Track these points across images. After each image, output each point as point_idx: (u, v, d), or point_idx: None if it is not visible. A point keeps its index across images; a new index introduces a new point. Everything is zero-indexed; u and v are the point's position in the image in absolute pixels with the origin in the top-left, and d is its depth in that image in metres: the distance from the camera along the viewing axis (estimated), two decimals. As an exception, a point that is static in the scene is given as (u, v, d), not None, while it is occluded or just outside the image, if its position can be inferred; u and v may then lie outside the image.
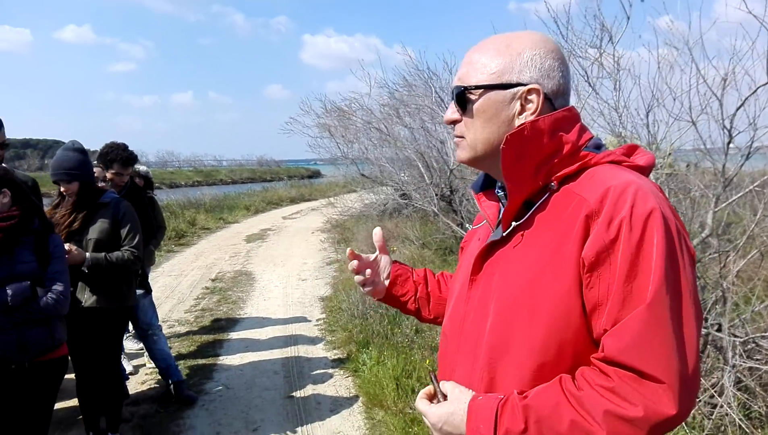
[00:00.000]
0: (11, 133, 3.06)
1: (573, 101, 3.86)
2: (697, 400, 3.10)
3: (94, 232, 3.15)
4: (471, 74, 1.12)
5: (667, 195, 3.33)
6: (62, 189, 3.15)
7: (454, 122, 1.18)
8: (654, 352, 0.91)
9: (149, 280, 4.54)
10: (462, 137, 1.16)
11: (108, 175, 3.97)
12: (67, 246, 2.87)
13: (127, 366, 4.62)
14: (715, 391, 3.07)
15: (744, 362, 3.05)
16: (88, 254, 3.07)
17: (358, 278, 1.51)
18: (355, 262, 1.50)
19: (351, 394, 4.25)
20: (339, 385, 4.44)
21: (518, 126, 1.07)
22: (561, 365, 1.01)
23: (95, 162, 3.84)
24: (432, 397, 1.16)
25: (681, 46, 3.29)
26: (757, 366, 3.10)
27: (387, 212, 11.76)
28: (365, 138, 11.55)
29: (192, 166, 51.37)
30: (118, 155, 3.98)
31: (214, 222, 15.10)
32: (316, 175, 46.72)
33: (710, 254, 3.37)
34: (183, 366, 4.71)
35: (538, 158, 1.07)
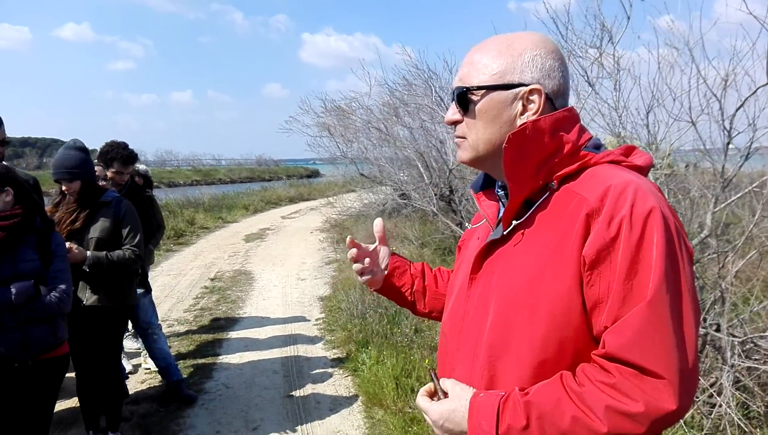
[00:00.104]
0: (10, 132, 3.07)
1: (573, 101, 3.87)
2: (696, 399, 3.11)
3: (95, 230, 3.15)
4: (472, 75, 1.13)
5: (666, 195, 3.35)
6: (64, 188, 3.15)
7: (455, 123, 1.18)
8: (654, 348, 0.92)
9: (149, 280, 4.55)
10: (463, 138, 1.17)
11: (108, 173, 3.97)
12: (67, 244, 2.87)
13: (127, 365, 4.62)
14: (714, 391, 3.08)
15: (742, 362, 3.06)
16: (89, 253, 3.08)
17: (356, 266, 1.52)
18: (354, 251, 1.51)
19: (350, 394, 4.25)
20: (338, 384, 4.44)
21: (520, 125, 1.08)
22: (561, 362, 1.02)
23: (96, 161, 3.85)
24: (432, 395, 1.16)
25: (681, 46, 3.30)
26: (756, 366, 3.11)
27: (386, 212, 11.76)
28: (365, 137, 11.55)
29: (191, 166, 51.32)
30: (119, 154, 3.98)
31: (212, 221, 15.09)
32: (315, 174, 46.70)
33: (709, 254, 3.38)
34: (182, 365, 4.71)
35: (539, 157, 1.08)
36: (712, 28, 3.20)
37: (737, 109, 3.07)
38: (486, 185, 1.29)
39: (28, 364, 2.51)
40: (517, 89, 1.10)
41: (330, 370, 4.74)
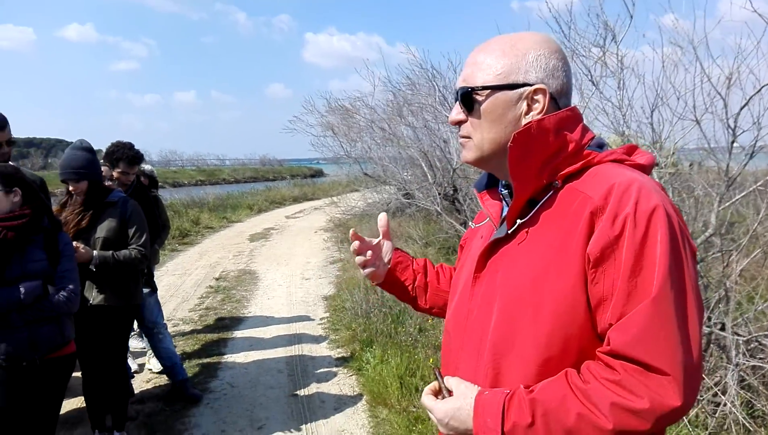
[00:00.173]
0: (15, 132, 3.09)
1: (577, 100, 3.87)
2: (701, 398, 3.10)
3: (101, 230, 3.17)
4: (477, 75, 1.13)
5: (670, 194, 3.35)
6: (71, 188, 3.17)
7: (459, 123, 1.19)
8: (659, 345, 0.92)
9: (154, 279, 4.57)
10: (468, 138, 1.18)
11: (114, 174, 3.99)
12: (74, 244, 2.89)
13: (133, 364, 4.64)
14: (719, 390, 3.07)
15: (747, 361, 3.05)
16: (95, 252, 3.10)
17: (359, 259, 1.52)
18: (356, 243, 1.52)
19: (355, 393, 4.26)
20: (343, 383, 4.45)
21: (525, 124, 1.09)
22: (566, 360, 1.02)
23: (102, 161, 3.87)
24: (437, 393, 1.17)
25: (686, 44, 3.30)
26: (761, 365, 3.10)
27: (390, 211, 11.77)
28: (368, 137, 11.57)
29: (195, 166, 51.43)
30: (124, 154, 4.00)
31: (217, 221, 15.13)
32: (318, 174, 46.70)
33: (713, 253, 3.38)
34: (188, 364, 4.73)
35: (543, 156, 1.08)
36: (717, 26, 3.19)
37: (742, 108, 3.06)
38: (489, 185, 1.30)
39: (36, 363, 2.53)
40: (521, 89, 1.10)
41: (334, 369, 4.75)
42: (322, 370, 4.74)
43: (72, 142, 3.31)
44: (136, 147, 4.14)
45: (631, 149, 1.14)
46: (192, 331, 5.78)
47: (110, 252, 3.15)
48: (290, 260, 9.77)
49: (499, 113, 1.12)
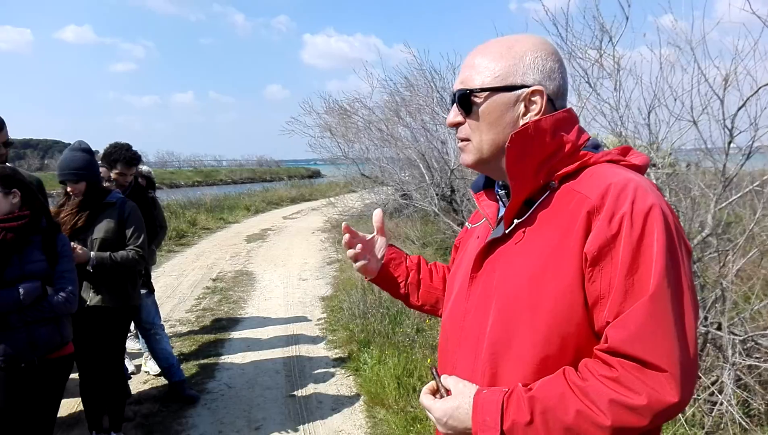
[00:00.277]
0: (12, 133, 3.08)
1: (574, 101, 3.88)
2: (698, 398, 3.11)
3: (99, 231, 3.17)
4: (474, 77, 1.14)
5: (667, 194, 3.36)
6: (69, 189, 3.17)
7: (457, 125, 1.19)
8: (657, 342, 0.93)
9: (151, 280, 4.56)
10: (467, 140, 1.18)
11: (112, 175, 3.98)
12: (71, 245, 2.89)
13: (130, 365, 4.63)
14: (715, 389, 3.09)
15: (744, 360, 3.06)
16: (92, 253, 3.09)
17: (350, 252, 1.53)
18: (347, 236, 1.53)
19: (352, 393, 4.26)
20: (340, 384, 4.45)
21: (522, 125, 1.10)
22: (563, 358, 1.03)
23: (100, 162, 3.86)
24: (435, 393, 1.17)
25: (683, 45, 3.31)
26: (757, 364, 3.12)
27: (388, 212, 11.78)
28: (366, 138, 11.57)
29: (192, 167, 51.42)
30: (122, 155, 3.99)
31: (214, 222, 15.12)
32: (316, 175, 46.70)
33: (710, 253, 3.39)
34: (185, 365, 4.73)
35: (540, 157, 1.09)
36: (715, 27, 3.20)
37: (739, 109, 3.07)
38: (486, 186, 1.31)
39: (35, 364, 2.53)
40: (519, 91, 1.11)
41: (332, 369, 4.75)
42: (319, 370, 4.74)
43: (69, 144, 3.31)
44: (134, 148, 4.14)
45: (626, 150, 1.16)
46: (189, 332, 5.78)
47: (107, 253, 3.14)
48: (287, 261, 9.77)
49: (498, 115, 1.13)
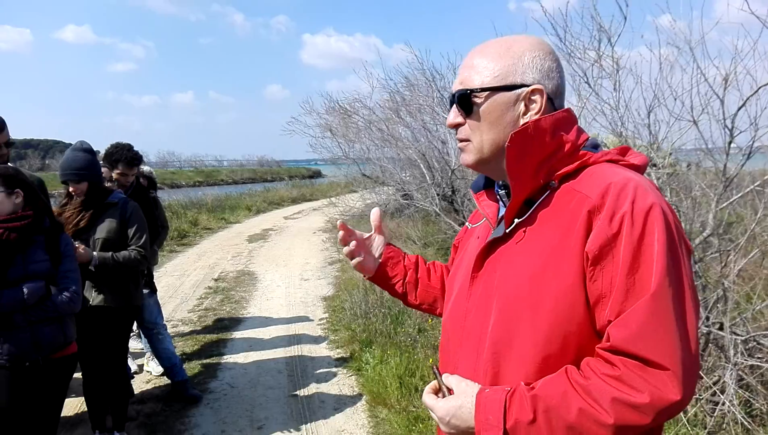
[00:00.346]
0: (12, 133, 3.09)
1: (574, 102, 3.88)
2: (700, 398, 3.12)
3: (101, 231, 3.18)
4: (474, 78, 1.15)
5: (668, 194, 3.36)
6: (71, 189, 3.18)
7: (457, 126, 1.20)
8: (659, 340, 0.94)
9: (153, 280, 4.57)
10: (467, 141, 1.19)
11: (113, 175, 3.99)
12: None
13: (132, 365, 4.64)
14: (717, 389, 3.09)
15: (745, 360, 3.07)
16: (94, 253, 3.10)
17: (346, 249, 1.55)
18: (342, 233, 1.54)
19: (354, 393, 4.27)
20: (342, 383, 4.46)
21: (522, 125, 1.10)
22: (565, 357, 1.03)
23: (101, 162, 3.87)
24: (437, 392, 1.17)
25: (682, 45, 3.31)
26: (759, 364, 3.12)
27: (389, 212, 11.78)
28: (367, 138, 11.58)
29: (193, 167, 51.46)
30: (123, 155, 4.00)
31: (215, 222, 15.13)
32: (317, 175, 46.71)
33: (711, 254, 3.39)
34: (187, 365, 4.73)
35: (540, 157, 1.10)
36: (714, 27, 3.21)
37: (739, 109, 3.08)
38: (486, 186, 1.32)
39: (39, 364, 2.54)
40: (519, 90, 1.12)
41: (334, 369, 4.76)
42: (321, 370, 4.75)
43: (70, 144, 3.31)
44: (135, 148, 4.15)
45: (625, 150, 1.16)
46: (191, 332, 5.79)
47: (109, 253, 3.15)
48: (289, 261, 9.78)
49: (498, 114, 1.13)
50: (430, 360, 4.29)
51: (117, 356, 3.37)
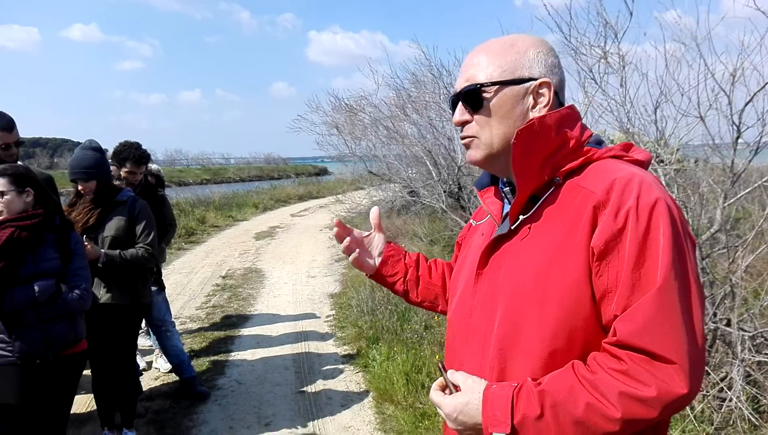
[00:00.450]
0: (21, 132, 3.12)
1: (580, 98, 3.86)
2: (707, 394, 3.11)
3: (110, 229, 3.21)
4: (481, 74, 1.15)
5: (675, 190, 3.35)
6: (80, 187, 3.21)
7: (464, 123, 1.20)
8: (665, 334, 0.94)
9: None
10: (475, 137, 1.19)
11: (122, 173, 4.02)
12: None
13: (141, 362, 4.68)
14: (725, 385, 3.08)
15: (753, 356, 3.06)
16: (103, 251, 3.13)
17: (342, 245, 1.57)
18: (336, 229, 1.56)
19: (361, 389, 4.29)
20: (349, 380, 4.48)
21: (527, 121, 1.11)
22: (571, 352, 1.04)
23: (110, 160, 3.90)
24: (444, 389, 1.18)
25: (689, 41, 3.30)
26: (766, 360, 3.11)
27: (395, 209, 11.79)
28: (373, 135, 11.57)
29: (200, 165, 51.65)
30: (131, 154, 4.03)
31: (223, 220, 15.18)
32: (323, 172, 46.75)
33: (719, 250, 3.38)
34: (195, 362, 4.77)
35: (545, 153, 1.11)
36: (720, 22, 3.19)
37: (746, 104, 3.06)
38: (490, 183, 1.32)
39: (50, 361, 2.57)
40: (528, 83, 1.13)
41: (341, 366, 4.78)
42: (328, 367, 4.77)
43: (78, 142, 3.34)
44: (143, 146, 4.18)
45: (628, 146, 1.17)
46: (199, 329, 5.82)
47: (117, 250, 3.18)
48: (296, 258, 9.81)
49: (508, 108, 1.14)
50: (437, 357, 4.30)
51: (126, 353, 3.40)
